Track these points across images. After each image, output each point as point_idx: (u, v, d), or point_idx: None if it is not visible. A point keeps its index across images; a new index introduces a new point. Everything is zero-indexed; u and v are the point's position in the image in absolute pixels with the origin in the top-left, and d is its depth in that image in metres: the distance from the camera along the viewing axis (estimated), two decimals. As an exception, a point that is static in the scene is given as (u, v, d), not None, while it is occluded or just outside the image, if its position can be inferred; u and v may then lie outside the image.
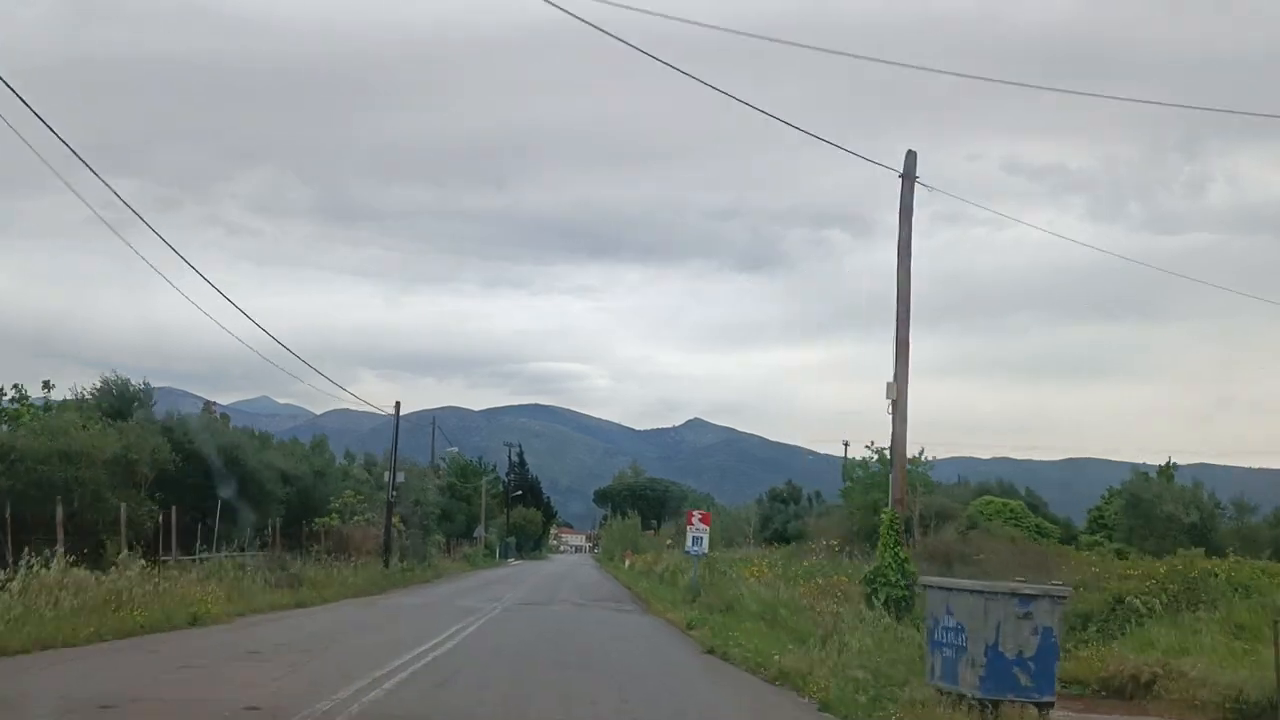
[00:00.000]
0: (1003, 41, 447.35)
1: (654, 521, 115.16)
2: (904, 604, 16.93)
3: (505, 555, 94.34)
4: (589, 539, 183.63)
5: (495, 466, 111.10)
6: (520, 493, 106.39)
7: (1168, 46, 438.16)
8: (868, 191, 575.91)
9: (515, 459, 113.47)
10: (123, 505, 23.10)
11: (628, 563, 74.35)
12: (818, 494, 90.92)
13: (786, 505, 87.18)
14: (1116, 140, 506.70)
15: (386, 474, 43.21)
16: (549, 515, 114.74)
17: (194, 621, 19.08)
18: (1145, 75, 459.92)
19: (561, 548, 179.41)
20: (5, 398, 28.09)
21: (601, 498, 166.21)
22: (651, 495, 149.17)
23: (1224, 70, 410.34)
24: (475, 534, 73.36)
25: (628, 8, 14.45)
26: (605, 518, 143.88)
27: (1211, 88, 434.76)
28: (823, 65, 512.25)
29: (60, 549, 19.26)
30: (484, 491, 77.71)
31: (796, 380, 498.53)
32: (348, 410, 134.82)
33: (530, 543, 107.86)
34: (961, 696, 11.06)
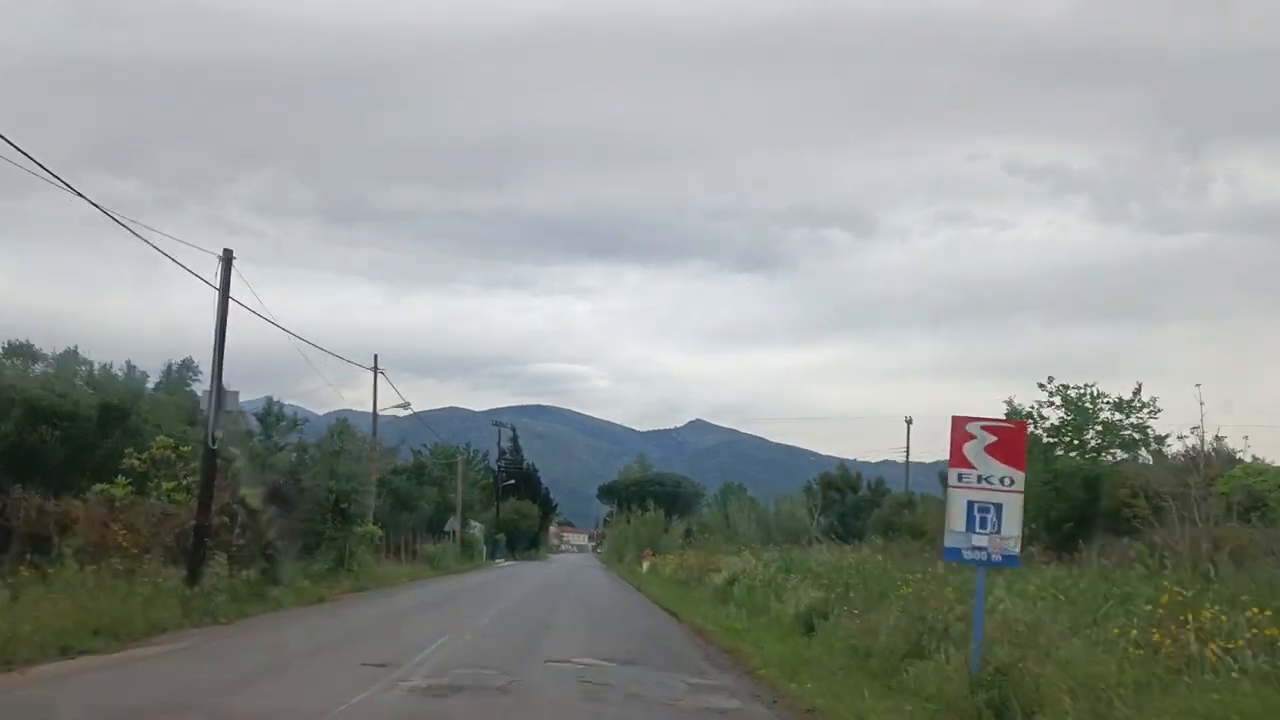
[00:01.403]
0: (1005, 42, 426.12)
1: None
2: None
3: (493, 555, 73.74)
4: (592, 538, 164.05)
5: (485, 455, 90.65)
6: (512, 481, 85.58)
7: (1170, 46, 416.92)
8: (867, 192, 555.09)
9: (508, 443, 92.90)
10: None
11: (646, 565, 54.03)
12: (880, 480, 70.81)
13: (842, 495, 66.82)
14: (1117, 140, 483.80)
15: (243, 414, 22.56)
16: (547, 509, 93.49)
17: None
18: (1147, 74, 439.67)
19: (563, 547, 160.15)
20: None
21: (606, 493, 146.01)
22: (660, 491, 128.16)
23: (1225, 70, 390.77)
24: (447, 527, 53.06)
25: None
26: (611, 514, 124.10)
27: (1212, 88, 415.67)
28: (823, 64, 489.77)
29: None
30: (460, 472, 57.12)
31: (798, 381, 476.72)
32: (350, 410, 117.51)
33: (525, 540, 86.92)
34: None
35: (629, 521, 69.63)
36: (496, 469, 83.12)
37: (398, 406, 41.04)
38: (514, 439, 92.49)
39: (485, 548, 72.69)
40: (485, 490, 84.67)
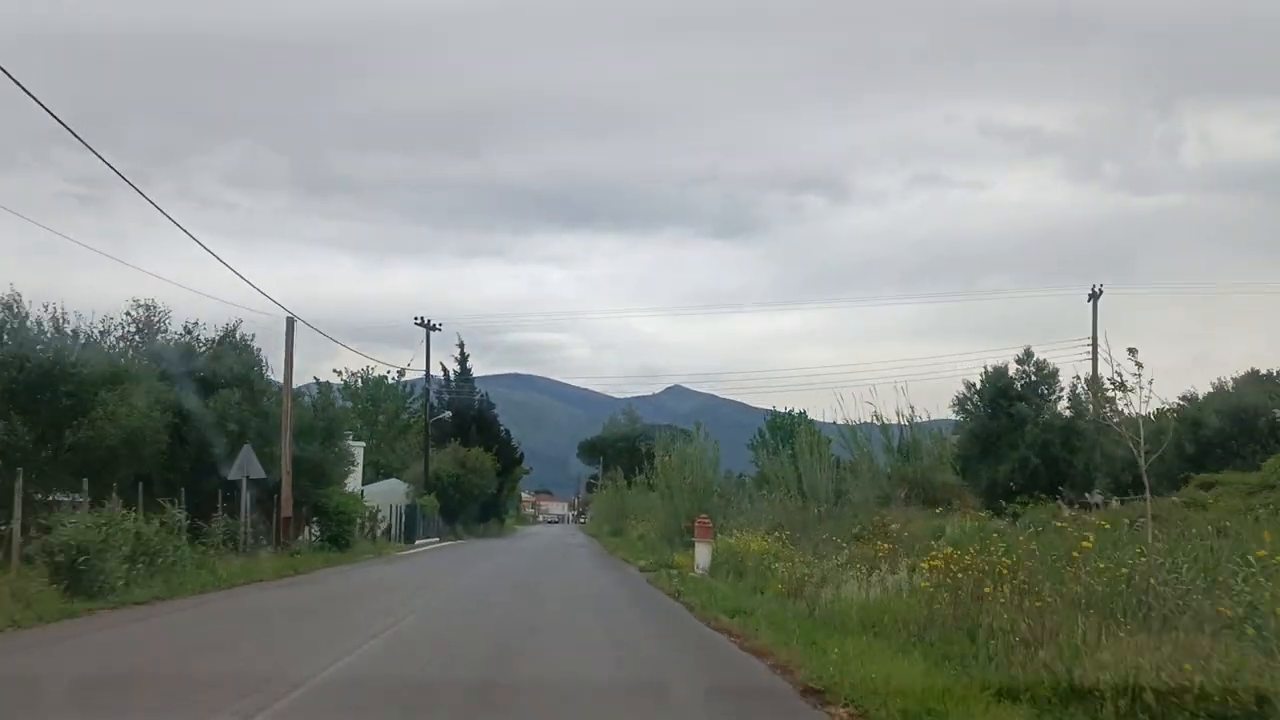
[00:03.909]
0: (975, 1, 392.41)
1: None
2: None
3: (410, 533, 41.13)
4: (572, 506, 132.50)
5: (426, 391, 58.02)
6: (449, 414, 52.42)
7: (1140, 3, 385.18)
8: (841, 156, 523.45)
9: (455, 366, 60.13)
10: None
11: (702, 557, 21.30)
12: (1081, 382, 38.49)
13: (999, 410, 34.39)
14: (1091, 99, 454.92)
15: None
16: (510, 461, 59.99)
17: None
18: (1118, 32, 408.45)
19: (540, 517, 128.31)
20: None
21: (590, 451, 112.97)
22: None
23: (1195, 28, 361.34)
24: (234, 474, 20.78)
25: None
26: (595, 477, 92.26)
27: (1183, 46, 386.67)
28: (795, 27, 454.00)
29: None
30: (288, 342, 24.39)
31: (775, 346, 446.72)
32: (323, 382, 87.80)
33: (475, 507, 53.74)
34: None
35: (650, 470, 37.12)
36: (431, 393, 50.09)
37: None
38: (462, 358, 59.80)
39: (397, 521, 40.22)
40: (413, 430, 52.21)
